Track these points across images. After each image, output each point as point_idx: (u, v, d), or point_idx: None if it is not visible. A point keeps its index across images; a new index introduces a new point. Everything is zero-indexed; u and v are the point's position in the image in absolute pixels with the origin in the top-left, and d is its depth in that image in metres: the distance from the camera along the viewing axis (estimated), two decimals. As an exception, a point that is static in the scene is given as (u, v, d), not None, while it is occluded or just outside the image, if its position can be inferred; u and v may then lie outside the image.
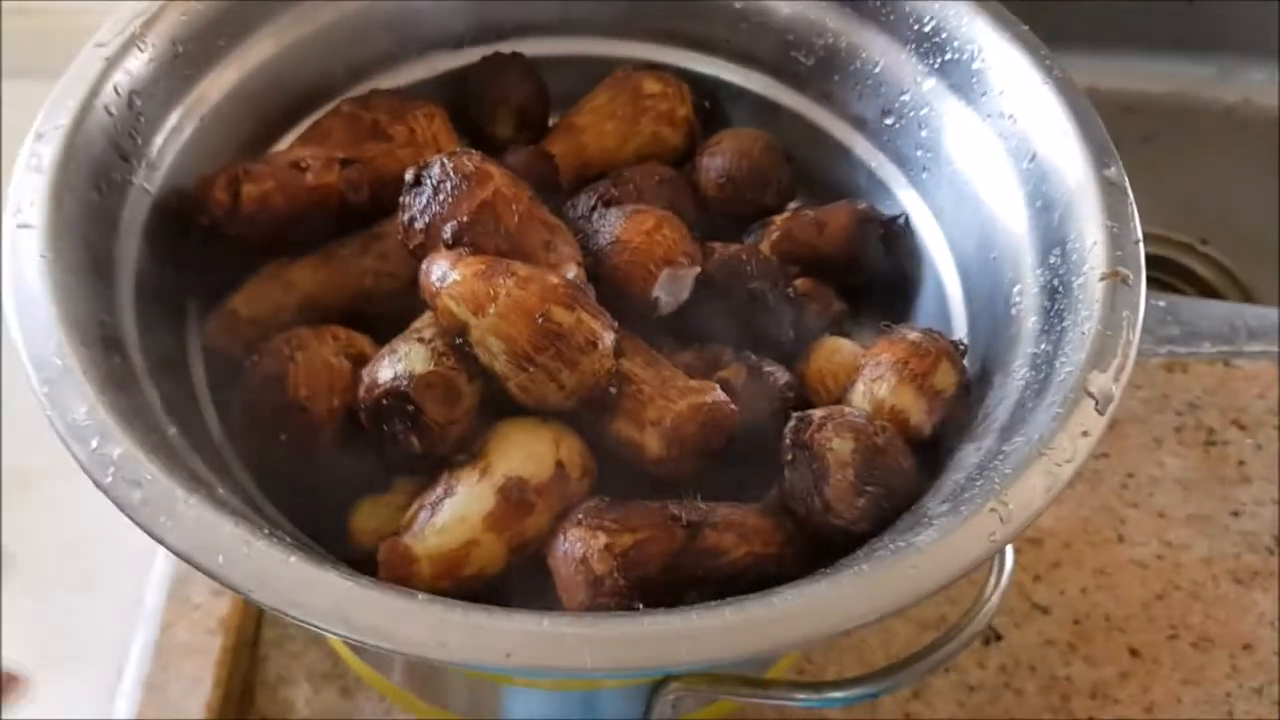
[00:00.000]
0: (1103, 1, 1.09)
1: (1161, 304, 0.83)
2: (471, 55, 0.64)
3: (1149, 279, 1.12)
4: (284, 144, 0.60)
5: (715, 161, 0.61)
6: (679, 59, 0.66)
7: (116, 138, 0.51)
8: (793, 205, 0.63)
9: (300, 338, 0.49)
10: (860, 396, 0.51)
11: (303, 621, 0.38)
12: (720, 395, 0.49)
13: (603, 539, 0.44)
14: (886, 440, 0.47)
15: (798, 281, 0.58)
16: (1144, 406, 0.76)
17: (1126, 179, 0.52)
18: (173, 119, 0.54)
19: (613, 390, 0.48)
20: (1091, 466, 0.73)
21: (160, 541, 0.39)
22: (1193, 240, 1.11)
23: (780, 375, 0.52)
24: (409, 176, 0.50)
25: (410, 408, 0.45)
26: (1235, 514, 0.72)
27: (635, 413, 0.48)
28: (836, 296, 0.59)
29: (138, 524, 0.39)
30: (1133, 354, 0.46)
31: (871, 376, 0.51)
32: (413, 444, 0.46)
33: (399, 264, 0.53)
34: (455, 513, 0.45)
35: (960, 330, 0.57)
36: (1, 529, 0.84)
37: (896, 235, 0.60)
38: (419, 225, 0.49)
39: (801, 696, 0.50)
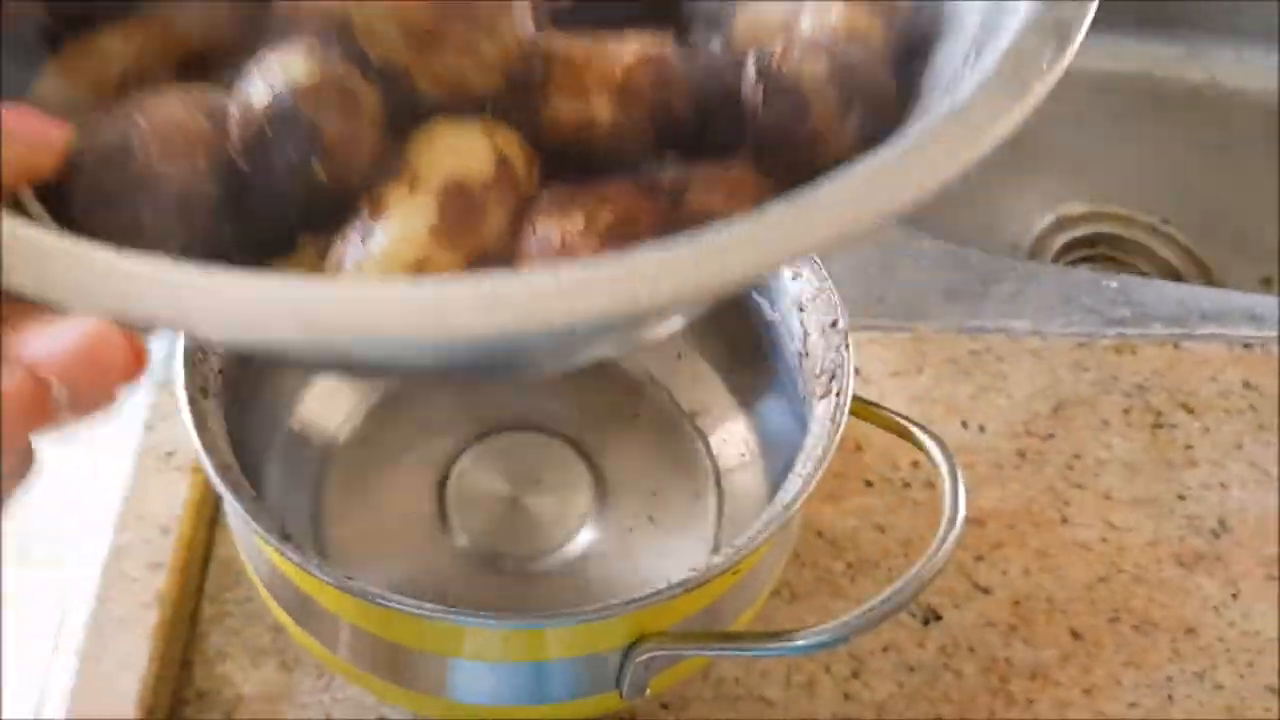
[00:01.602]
0: (1072, -22, 1.09)
1: (1113, 285, 0.83)
2: None
3: (1111, 258, 1.13)
4: None
5: None
6: None
7: None
8: None
9: (138, 99, 0.40)
10: (810, 29, 0.44)
11: (363, 342, 0.30)
12: (668, 47, 0.42)
13: (580, 220, 0.38)
14: (862, 53, 0.42)
15: None
16: (1092, 388, 0.76)
17: None
18: None
19: (538, 70, 0.40)
20: (1036, 448, 0.73)
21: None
22: (1155, 220, 1.11)
23: (713, 40, 0.45)
24: None
25: (303, 129, 0.37)
26: (1181, 497, 0.72)
27: (573, 82, 0.41)
28: None
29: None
30: None
31: (817, 5, 0.44)
32: (317, 173, 0.38)
33: (226, 9, 0.44)
34: (394, 234, 0.37)
35: None
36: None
37: None
38: None
39: (771, 646, 0.54)
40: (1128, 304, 0.81)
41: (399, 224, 0.37)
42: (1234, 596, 0.69)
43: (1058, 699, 0.64)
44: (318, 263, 0.39)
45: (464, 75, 0.38)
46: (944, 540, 0.54)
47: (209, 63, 0.44)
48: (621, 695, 0.56)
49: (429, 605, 0.51)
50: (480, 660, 0.57)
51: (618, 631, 0.54)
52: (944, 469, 0.56)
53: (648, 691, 0.57)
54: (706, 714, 0.63)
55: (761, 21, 0.45)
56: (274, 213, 0.39)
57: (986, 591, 0.68)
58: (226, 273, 0.30)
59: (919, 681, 0.64)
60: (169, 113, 0.39)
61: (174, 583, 0.65)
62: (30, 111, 0.35)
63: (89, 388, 0.32)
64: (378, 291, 0.29)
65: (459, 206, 0.38)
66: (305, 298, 0.29)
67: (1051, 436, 0.74)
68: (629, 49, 0.41)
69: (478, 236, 0.38)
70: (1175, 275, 1.09)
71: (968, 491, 0.55)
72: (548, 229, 0.37)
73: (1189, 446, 0.74)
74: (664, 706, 0.64)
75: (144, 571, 0.65)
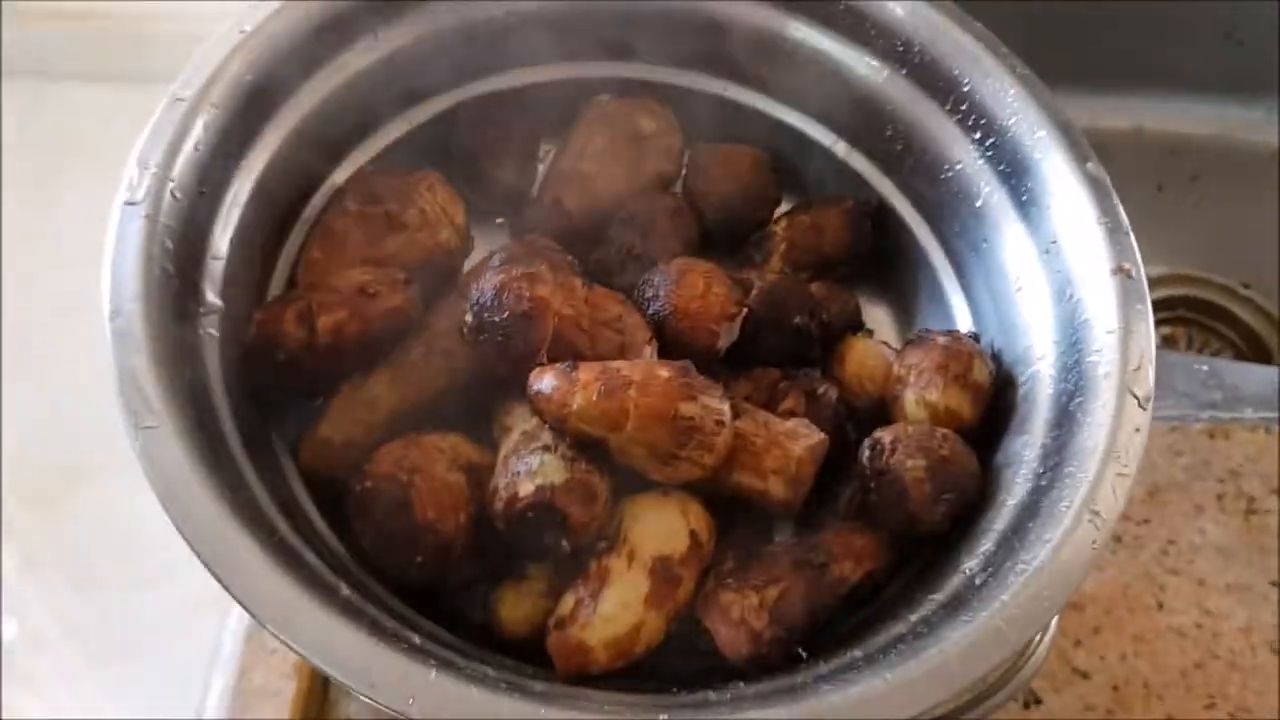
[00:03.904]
0: (1150, 42, 1.11)
1: (1204, 368, 0.85)
2: (441, 102, 0.66)
3: (1191, 321, 1.14)
4: (293, 241, 0.61)
5: (709, 188, 0.65)
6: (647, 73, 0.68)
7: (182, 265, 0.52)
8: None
9: (411, 460, 0.51)
10: (913, 405, 0.56)
11: None
12: (819, 432, 0.54)
13: (754, 598, 0.50)
14: (951, 449, 0.53)
15: (812, 286, 0.62)
16: (1185, 473, 0.78)
17: (1105, 171, 0.56)
18: (219, 224, 0.55)
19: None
20: (1132, 533, 0.76)
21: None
22: (1234, 284, 1.12)
23: (831, 392, 0.58)
24: (470, 321, 0.52)
25: (557, 517, 0.49)
26: (1275, 584, 0.74)
27: (754, 464, 0.52)
28: (846, 292, 0.64)
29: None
30: (1154, 346, 0.52)
31: (920, 385, 0.56)
32: (563, 546, 0.49)
33: (467, 360, 0.55)
34: (617, 601, 0.49)
35: (961, 307, 0.62)
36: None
37: (883, 222, 0.65)
38: (503, 369, 0.52)
39: None
40: (1219, 387, 0.83)
41: (620, 593, 0.49)
42: (1329, 684, 0.70)
43: (1156, 784, 0.66)
44: (544, 591, 0.52)
45: (689, 477, 0.51)
46: (1040, 640, 0.56)
47: (452, 396, 0.56)
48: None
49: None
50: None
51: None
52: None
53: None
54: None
55: (866, 369, 0.59)
56: (518, 558, 0.52)
57: (1085, 676, 0.70)
58: None
59: (1020, 764, 0.67)
60: (436, 474, 0.51)
61: (310, 654, 0.69)
62: None
63: None
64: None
65: (664, 578, 0.50)
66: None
67: (1147, 521, 0.76)
68: (798, 445, 0.52)
69: (676, 600, 0.50)
70: (1256, 339, 1.09)
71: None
72: (729, 605, 0.50)
73: (1282, 532, 0.76)
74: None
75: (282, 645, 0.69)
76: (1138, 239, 0.54)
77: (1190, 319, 1.12)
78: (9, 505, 1.01)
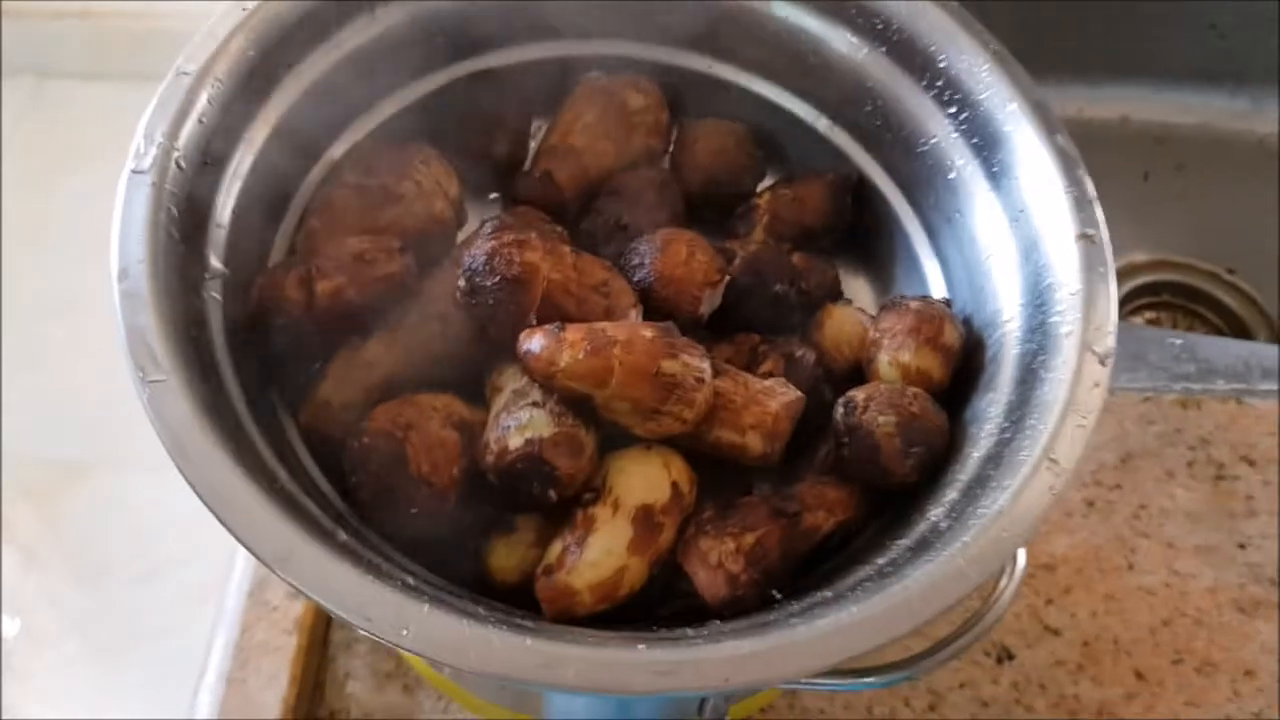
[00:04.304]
0: (1135, 33, 1.12)
1: (1178, 342, 0.87)
2: (435, 79, 0.68)
3: (1175, 305, 1.16)
4: (293, 211, 0.63)
5: (695, 162, 0.67)
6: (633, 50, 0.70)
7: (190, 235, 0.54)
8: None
9: (406, 417, 0.53)
10: (886, 365, 0.59)
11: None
12: (796, 390, 0.56)
13: (731, 543, 0.52)
14: (920, 406, 0.56)
15: (794, 257, 0.64)
16: (1157, 440, 0.81)
17: (1073, 144, 0.58)
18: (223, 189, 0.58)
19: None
20: (1105, 498, 0.78)
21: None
22: (1219, 269, 1.14)
23: (809, 355, 0.60)
24: (463, 285, 0.55)
25: (545, 468, 0.51)
26: (1241, 546, 0.76)
27: (733, 420, 0.55)
28: (826, 262, 0.66)
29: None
30: (1115, 307, 0.54)
31: (893, 347, 0.59)
32: (549, 496, 0.52)
33: (461, 325, 0.57)
34: (602, 547, 0.52)
35: (935, 275, 0.64)
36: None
37: (863, 194, 0.67)
38: (494, 331, 0.55)
39: (846, 681, 0.58)
40: (1193, 360, 0.85)
41: (605, 540, 0.52)
42: (1293, 641, 0.73)
43: (1124, 735, 0.69)
44: (533, 542, 0.54)
45: (670, 431, 0.53)
46: (1004, 588, 0.58)
47: (447, 360, 0.58)
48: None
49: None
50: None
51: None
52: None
53: (727, 717, 0.62)
54: (794, 741, 0.68)
55: (844, 335, 0.62)
56: (508, 510, 0.55)
57: (1056, 633, 0.72)
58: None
59: (992, 716, 0.69)
60: (431, 431, 0.54)
61: (311, 609, 0.71)
62: None
63: None
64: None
65: (646, 526, 0.52)
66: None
67: (1119, 487, 0.78)
68: (775, 401, 0.55)
69: (657, 547, 0.53)
70: (1239, 323, 1.11)
71: (1040, 538, 0.60)
72: (708, 550, 0.53)
73: (1250, 498, 0.79)
74: (754, 733, 0.69)
75: (284, 600, 0.71)
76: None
77: (1175, 304, 1.14)
78: (9, 501, 1.03)
